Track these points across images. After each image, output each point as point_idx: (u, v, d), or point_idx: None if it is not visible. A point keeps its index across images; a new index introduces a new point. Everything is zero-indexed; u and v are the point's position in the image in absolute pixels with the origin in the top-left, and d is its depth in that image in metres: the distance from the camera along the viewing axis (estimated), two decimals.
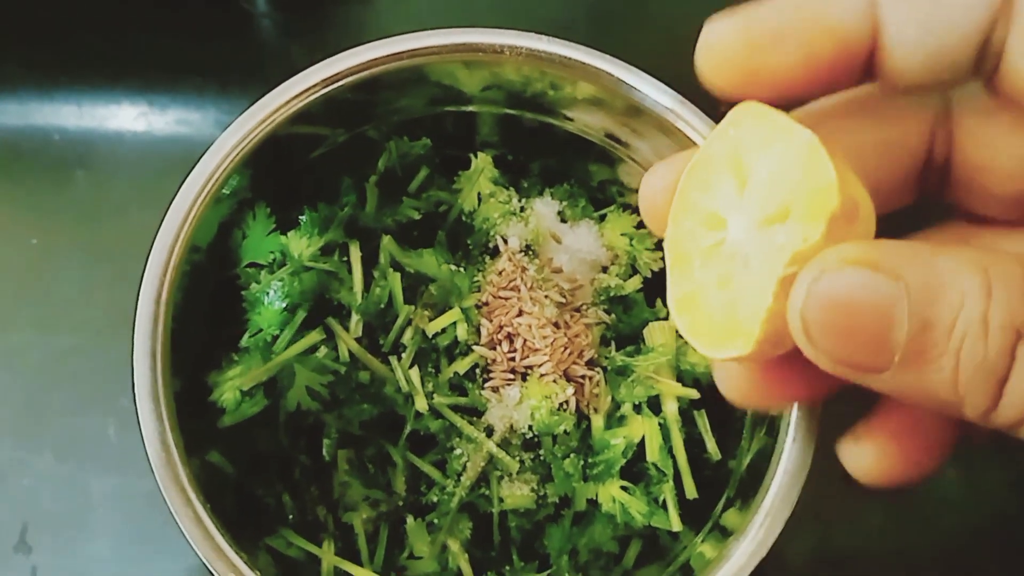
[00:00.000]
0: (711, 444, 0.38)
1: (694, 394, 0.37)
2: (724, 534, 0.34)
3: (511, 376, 0.38)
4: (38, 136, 0.52)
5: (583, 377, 0.38)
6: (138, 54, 0.53)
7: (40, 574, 0.44)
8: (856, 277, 0.14)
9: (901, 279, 0.14)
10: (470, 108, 0.41)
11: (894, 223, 0.20)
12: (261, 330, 0.36)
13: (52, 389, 0.47)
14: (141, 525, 0.44)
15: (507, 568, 0.37)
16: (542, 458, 0.37)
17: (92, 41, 0.54)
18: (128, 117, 0.52)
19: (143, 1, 0.55)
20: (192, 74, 0.53)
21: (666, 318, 0.39)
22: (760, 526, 0.31)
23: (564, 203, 0.42)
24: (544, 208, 0.41)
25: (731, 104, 0.20)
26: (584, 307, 0.40)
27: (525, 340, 0.38)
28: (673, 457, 0.37)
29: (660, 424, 0.37)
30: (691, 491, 0.37)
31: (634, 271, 0.41)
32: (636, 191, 0.25)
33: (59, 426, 0.46)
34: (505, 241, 0.40)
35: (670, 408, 0.37)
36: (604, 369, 0.39)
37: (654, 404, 0.38)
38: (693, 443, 0.38)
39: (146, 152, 0.52)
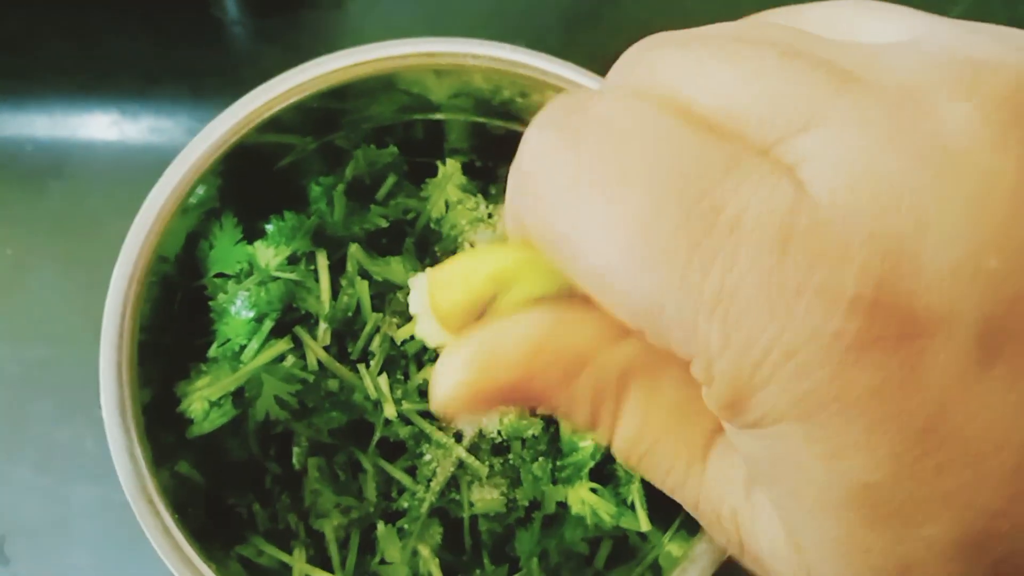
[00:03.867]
0: None
1: None
2: (691, 532, 0.34)
3: None
4: (10, 147, 0.52)
5: None
6: (110, 63, 0.53)
7: None
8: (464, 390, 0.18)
9: (498, 383, 0.17)
10: (438, 116, 0.41)
11: None
12: (229, 340, 0.36)
13: (29, 400, 0.47)
14: (120, 535, 0.44)
15: (478, 572, 0.38)
16: (511, 462, 0.38)
17: (63, 50, 0.54)
18: (101, 126, 0.52)
19: (114, 9, 0.55)
20: (164, 82, 0.53)
21: None
22: None
23: None
24: None
25: None
26: None
27: None
28: None
29: None
30: None
31: None
32: None
33: (36, 437, 0.46)
34: (473, 247, 0.40)
35: None
36: None
37: None
38: None
39: (119, 161, 0.52)
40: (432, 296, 0.18)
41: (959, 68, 0.14)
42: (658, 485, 0.19)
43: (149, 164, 0.51)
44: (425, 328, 0.18)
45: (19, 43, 0.54)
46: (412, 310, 0.18)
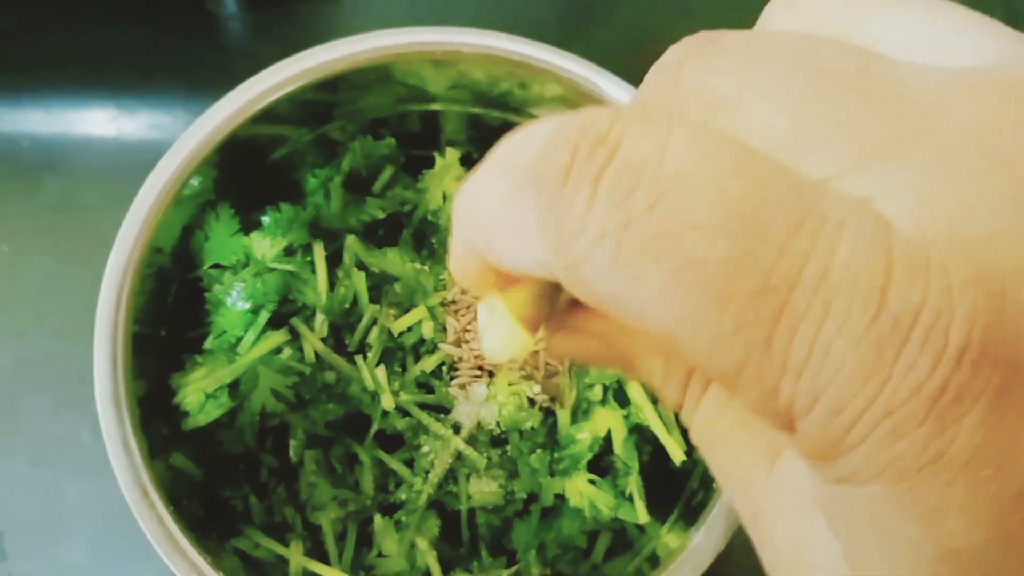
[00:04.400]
0: (676, 436, 0.38)
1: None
2: (688, 524, 0.34)
3: (478, 373, 0.38)
4: (7, 142, 0.52)
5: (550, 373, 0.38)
6: (106, 58, 0.53)
7: None
8: None
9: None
10: (435, 107, 0.41)
11: None
12: (225, 332, 0.36)
13: (25, 395, 0.47)
14: (117, 530, 0.44)
15: (475, 564, 0.38)
16: (509, 454, 0.37)
17: (58, 45, 0.53)
18: (97, 121, 0.52)
19: (109, 4, 0.54)
20: (161, 77, 0.53)
21: None
22: (721, 515, 0.31)
23: None
24: None
25: None
26: None
27: None
28: (648, 437, 0.37)
29: (625, 416, 0.37)
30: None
31: None
32: None
33: (33, 432, 0.46)
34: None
35: (636, 391, 0.37)
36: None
37: (619, 396, 0.38)
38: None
39: (116, 156, 0.52)
40: (511, 305, 0.18)
41: None
42: (724, 488, 0.18)
43: (145, 159, 0.50)
44: (495, 342, 0.18)
45: (14, 38, 0.53)
46: (483, 327, 0.18)
